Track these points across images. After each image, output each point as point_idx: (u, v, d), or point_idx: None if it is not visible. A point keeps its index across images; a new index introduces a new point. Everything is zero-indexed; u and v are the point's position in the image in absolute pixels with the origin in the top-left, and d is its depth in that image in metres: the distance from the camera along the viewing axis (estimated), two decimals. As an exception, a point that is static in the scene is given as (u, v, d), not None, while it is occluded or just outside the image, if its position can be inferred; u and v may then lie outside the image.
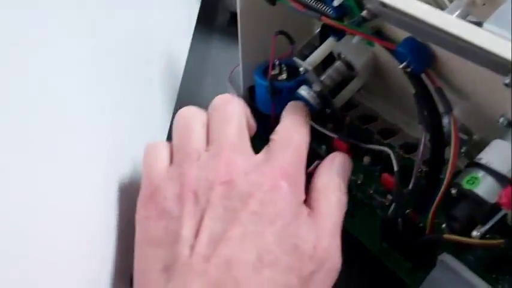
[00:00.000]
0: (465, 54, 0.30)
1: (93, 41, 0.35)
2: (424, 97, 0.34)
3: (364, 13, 0.34)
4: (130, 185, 0.37)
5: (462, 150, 0.38)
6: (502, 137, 0.32)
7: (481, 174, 0.31)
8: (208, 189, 0.31)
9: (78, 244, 0.31)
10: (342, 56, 0.41)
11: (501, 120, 0.33)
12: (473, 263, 0.35)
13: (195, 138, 0.34)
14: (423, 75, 0.34)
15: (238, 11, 0.41)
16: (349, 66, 0.42)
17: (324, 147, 0.43)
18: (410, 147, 0.42)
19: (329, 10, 0.36)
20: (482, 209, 0.30)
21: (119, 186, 0.36)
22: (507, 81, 0.28)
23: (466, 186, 0.31)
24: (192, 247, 0.29)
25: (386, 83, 0.43)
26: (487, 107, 0.34)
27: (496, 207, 0.30)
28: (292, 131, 0.35)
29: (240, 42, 0.43)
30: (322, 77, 0.41)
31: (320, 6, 0.37)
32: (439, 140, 0.34)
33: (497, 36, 0.28)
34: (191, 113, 0.36)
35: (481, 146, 0.34)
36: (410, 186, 0.35)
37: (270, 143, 0.34)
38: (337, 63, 0.42)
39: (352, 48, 0.41)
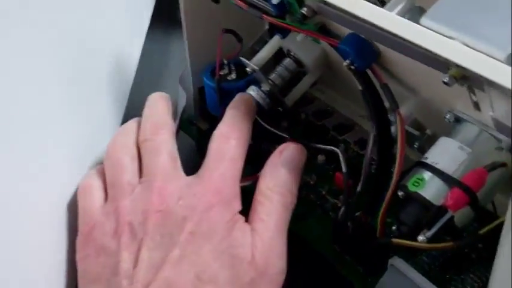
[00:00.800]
0: (404, 51, 0.29)
1: (42, 41, 0.34)
2: (369, 94, 0.33)
3: (303, 10, 0.33)
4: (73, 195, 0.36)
5: (415, 146, 0.37)
6: (448, 134, 0.31)
7: (426, 175, 0.30)
8: (143, 220, 0.31)
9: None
10: (291, 53, 0.40)
11: (448, 116, 0.31)
12: (427, 264, 0.34)
13: (127, 173, 0.34)
14: (369, 71, 0.33)
15: (181, 9, 0.40)
16: (299, 63, 0.40)
17: (277, 147, 0.42)
18: (366, 143, 0.41)
19: (270, 8, 0.35)
20: (429, 212, 0.29)
21: (62, 196, 0.35)
22: (446, 79, 0.27)
23: (411, 188, 0.30)
24: (131, 277, 0.30)
25: (340, 77, 0.42)
26: (435, 102, 0.33)
27: (443, 210, 0.29)
28: (230, 135, 0.34)
29: (186, 42, 0.41)
30: (272, 76, 0.40)
31: (262, 3, 0.35)
32: (385, 138, 0.33)
33: (434, 33, 0.27)
34: (121, 146, 0.35)
35: (435, 141, 0.32)
36: (359, 188, 0.34)
37: (206, 155, 0.34)
38: (286, 61, 0.40)
39: (301, 45, 0.39)
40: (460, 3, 0.27)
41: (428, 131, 0.36)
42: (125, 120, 0.44)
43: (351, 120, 0.44)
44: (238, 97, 0.38)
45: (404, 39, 0.27)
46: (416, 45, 0.27)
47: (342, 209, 0.34)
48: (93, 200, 0.34)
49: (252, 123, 0.37)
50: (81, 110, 0.39)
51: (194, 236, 0.30)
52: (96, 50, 0.43)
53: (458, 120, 0.31)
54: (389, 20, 0.28)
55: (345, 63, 0.32)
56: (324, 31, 0.35)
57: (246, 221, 0.32)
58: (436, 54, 0.26)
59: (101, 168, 0.36)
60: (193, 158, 0.46)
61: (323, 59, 0.40)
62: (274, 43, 0.39)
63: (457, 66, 0.26)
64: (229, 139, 0.34)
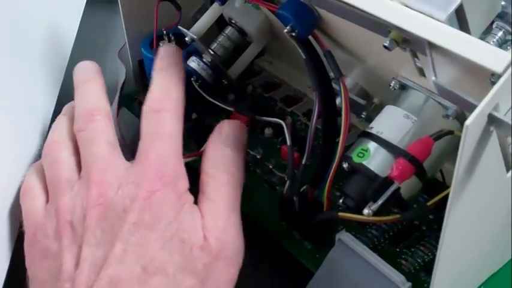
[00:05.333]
0: (343, 14, 0.27)
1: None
2: (312, 62, 0.31)
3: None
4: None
5: (362, 116, 0.35)
6: (394, 102, 0.30)
7: (371, 145, 0.29)
8: (83, 217, 0.29)
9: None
10: (233, 21, 0.38)
11: (393, 83, 0.30)
12: (377, 238, 0.33)
13: (65, 169, 0.31)
14: (311, 38, 0.31)
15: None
16: (241, 31, 0.38)
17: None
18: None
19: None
20: (374, 184, 0.28)
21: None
22: (386, 43, 0.25)
23: (356, 159, 0.29)
24: (74, 279, 0.27)
25: (287, 47, 0.40)
26: (381, 70, 0.32)
27: (388, 181, 0.27)
28: (161, 107, 0.31)
29: (122, 12, 0.39)
30: (213, 46, 0.38)
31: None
32: (330, 107, 0.32)
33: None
34: (56, 143, 0.33)
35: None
36: (303, 161, 0.32)
37: (140, 136, 0.31)
38: (228, 30, 0.38)
39: (242, 12, 0.37)
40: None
41: (375, 100, 0.35)
42: (60, 99, 0.42)
43: (299, 92, 0.42)
44: (163, 52, 0.34)
45: (340, 1, 0.25)
46: (353, 6, 0.25)
47: (287, 183, 0.32)
48: (35, 202, 0.31)
49: (185, 82, 0.33)
50: (12, 88, 0.37)
51: (137, 226, 0.28)
52: (29, 23, 0.41)
53: (403, 87, 0.30)
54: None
55: (285, 30, 0.31)
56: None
57: (196, 202, 0.30)
58: (373, 16, 0.24)
59: (40, 167, 0.33)
60: (137, 135, 0.44)
61: (267, 27, 0.38)
62: (213, 11, 0.37)
63: (397, 28, 0.24)
64: (161, 113, 0.31)
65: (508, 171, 0.25)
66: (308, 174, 0.32)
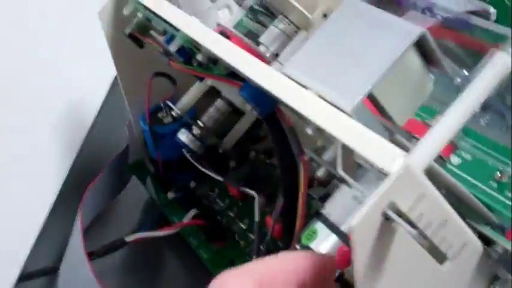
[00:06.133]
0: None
1: None
2: (275, 139, 0.32)
3: (199, 57, 0.32)
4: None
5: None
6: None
7: (319, 227, 0.28)
8: None
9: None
10: (222, 94, 0.39)
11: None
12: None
13: None
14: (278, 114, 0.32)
15: (111, 55, 0.39)
16: (230, 104, 0.39)
17: (217, 190, 0.41)
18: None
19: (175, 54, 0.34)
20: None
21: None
22: (309, 130, 0.25)
23: (304, 241, 0.28)
24: None
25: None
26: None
27: (335, 265, 0.27)
28: None
29: (122, 88, 0.41)
30: (203, 118, 0.39)
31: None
32: (292, 183, 0.31)
33: (295, 84, 0.25)
34: None
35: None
36: (267, 237, 0.32)
37: None
38: (218, 102, 0.39)
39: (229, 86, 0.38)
40: (321, 52, 0.25)
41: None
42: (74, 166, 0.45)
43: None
44: None
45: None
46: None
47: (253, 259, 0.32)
48: None
49: None
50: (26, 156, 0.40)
51: None
52: (53, 97, 0.44)
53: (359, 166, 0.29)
54: (258, 73, 0.26)
55: (248, 109, 0.31)
56: (234, 75, 0.34)
57: None
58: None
59: None
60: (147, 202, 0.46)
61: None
62: (198, 85, 0.38)
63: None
64: None
65: (441, 263, 0.24)
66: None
